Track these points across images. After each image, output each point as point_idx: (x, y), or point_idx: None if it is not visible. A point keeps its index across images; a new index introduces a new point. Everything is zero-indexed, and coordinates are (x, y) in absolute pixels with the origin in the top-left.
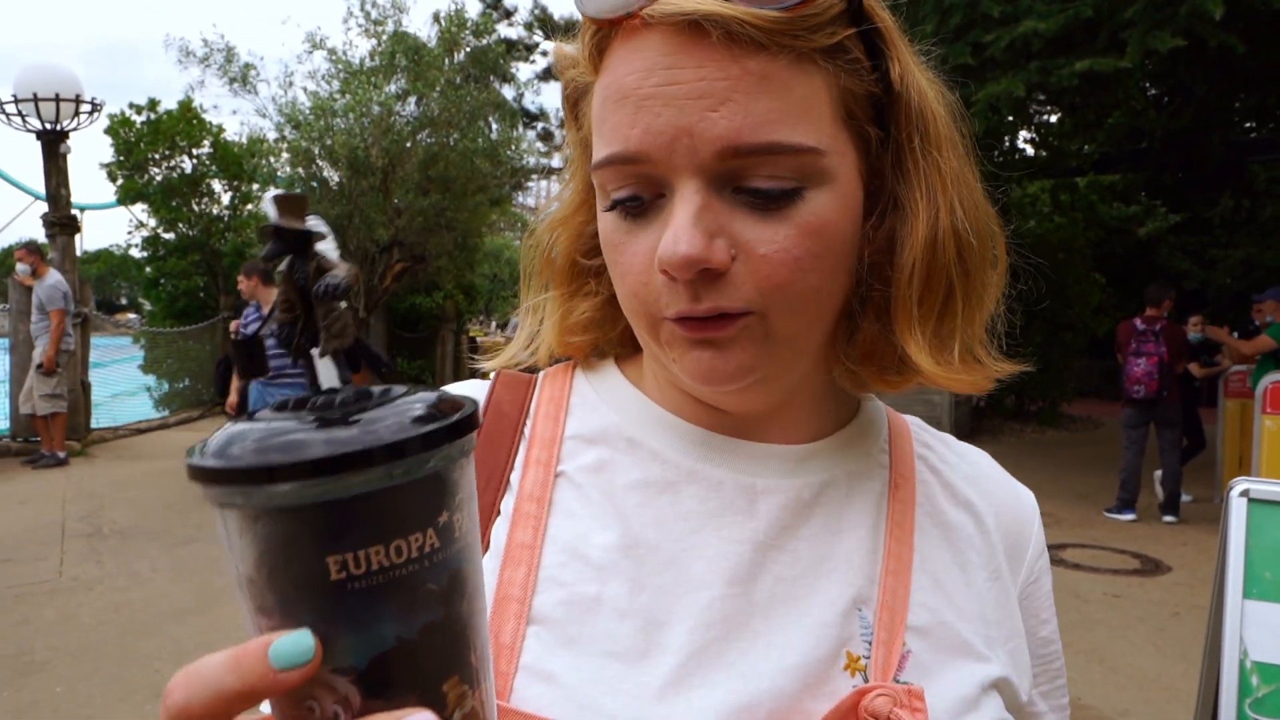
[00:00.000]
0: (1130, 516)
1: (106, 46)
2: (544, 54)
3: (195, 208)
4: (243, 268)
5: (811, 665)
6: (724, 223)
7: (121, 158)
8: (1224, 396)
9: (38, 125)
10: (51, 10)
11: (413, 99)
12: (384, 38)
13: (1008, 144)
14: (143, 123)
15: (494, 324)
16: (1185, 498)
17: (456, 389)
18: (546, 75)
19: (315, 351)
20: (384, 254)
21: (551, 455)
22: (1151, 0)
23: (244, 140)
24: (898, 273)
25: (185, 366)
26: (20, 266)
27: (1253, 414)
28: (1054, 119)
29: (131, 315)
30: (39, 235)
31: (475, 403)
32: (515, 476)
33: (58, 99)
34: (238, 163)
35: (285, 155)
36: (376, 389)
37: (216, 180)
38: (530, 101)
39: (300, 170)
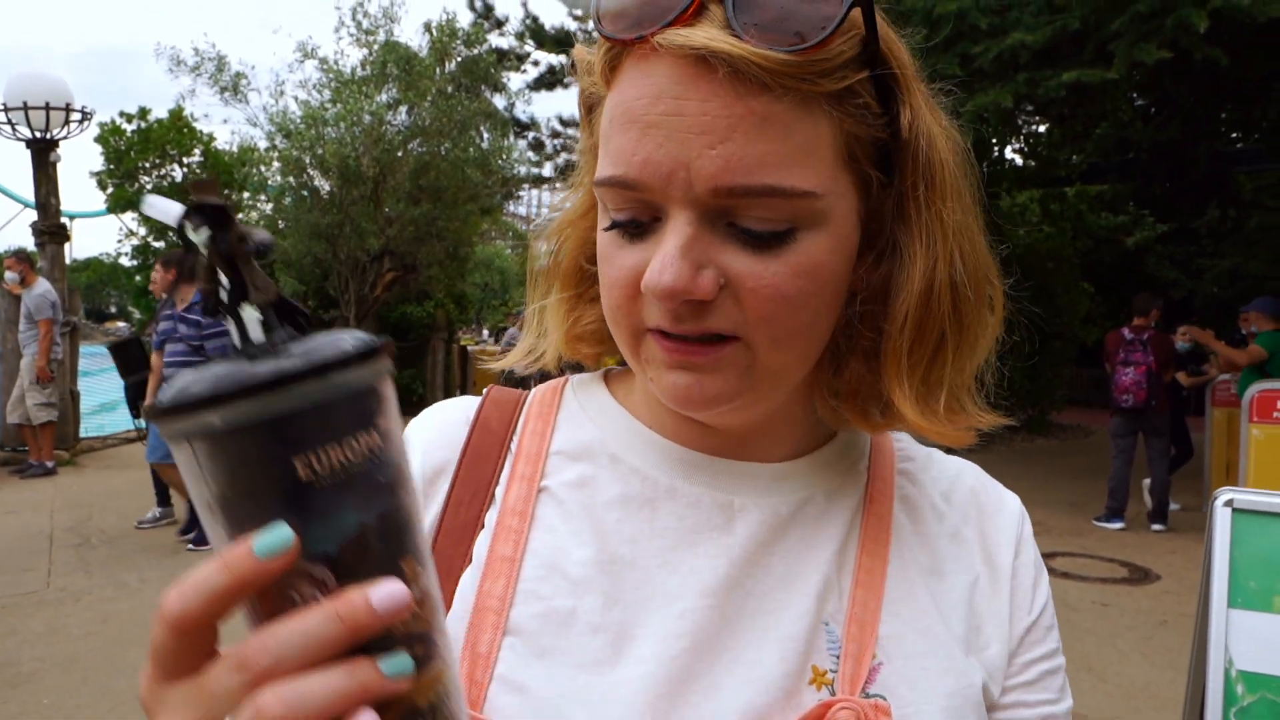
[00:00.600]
0: (1119, 525)
1: (97, 52)
2: (535, 64)
3: None
4: (160, 259)
5: (776, 679)
6: (714, 254)
7: (112, 166)
8: (1211, 405)
9: (27, 134)
10: (40, 15)
11: (404, 108)
12: (375, 47)
13: (995, 154)
14: (133, 131)
15: (485, 332)
16: (1173, 506)
17: (447, 404)
18: (538, 85)
19: (246, 307)
20: (375, 263)
21: (536, 470)
22: (1138, 13)
23: (235, 149)
24: (890, 319)
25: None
26: (9, 275)
27: (1239, 423)
28: (1042, 129)
29: (121, 324)
30: (28, 243)
31: (390, 339)
32: (500, 491)
33: (48, 107)
34: (229, 171)
35: (276, 164)
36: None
37: None
38: (521, 111)
39: (291, 179)
